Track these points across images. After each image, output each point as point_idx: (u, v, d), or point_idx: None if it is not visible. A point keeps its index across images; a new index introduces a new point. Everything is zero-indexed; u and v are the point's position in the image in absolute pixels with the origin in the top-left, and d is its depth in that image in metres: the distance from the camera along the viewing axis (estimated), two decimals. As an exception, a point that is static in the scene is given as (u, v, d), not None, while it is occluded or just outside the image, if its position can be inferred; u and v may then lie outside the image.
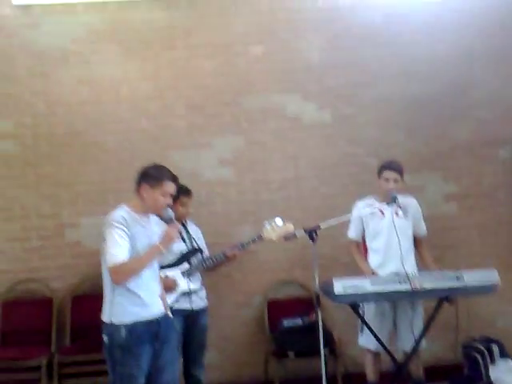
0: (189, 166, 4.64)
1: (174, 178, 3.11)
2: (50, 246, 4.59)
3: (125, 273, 2.87)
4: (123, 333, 2.87)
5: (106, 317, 2.94)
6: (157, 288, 3.07)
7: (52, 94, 4.67)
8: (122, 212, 2.94)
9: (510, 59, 4.96)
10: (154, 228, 3.06)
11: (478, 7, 4.95)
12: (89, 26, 4.72)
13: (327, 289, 3.66)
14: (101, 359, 3.85)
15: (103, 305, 2.99)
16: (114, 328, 2.88)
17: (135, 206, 3.01)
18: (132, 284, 2.90)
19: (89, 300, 4.39)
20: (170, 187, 3.02)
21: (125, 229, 2.88)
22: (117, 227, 2.87)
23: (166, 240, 2.99)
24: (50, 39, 4.68)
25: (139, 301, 2.93)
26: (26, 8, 4.67)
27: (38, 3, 4.68)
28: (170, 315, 3.14)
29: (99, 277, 4.12)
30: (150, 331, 2.95)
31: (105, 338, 2.92)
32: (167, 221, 3.10)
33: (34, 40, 4.66)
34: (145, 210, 3.02)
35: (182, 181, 4.00)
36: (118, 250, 2.85)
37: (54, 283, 4.57)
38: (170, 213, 3.16)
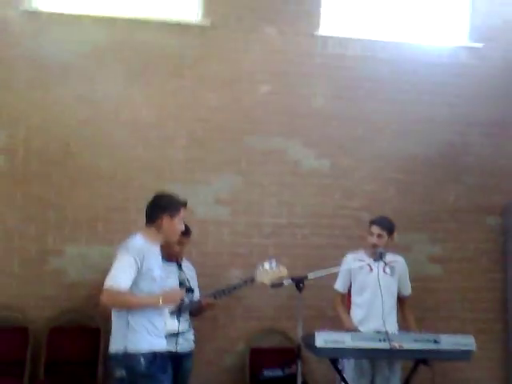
0: (184, 202, 4.60)
1: (186, 203, 3.22)
2: (32, 272, 4.41)
3: (116, 301, 2.93)
4: (143, 362, 2.89)
5: (118, 348, 2.93)
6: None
7: (49, 109, 4.53)
8: (141, 242, 2.99)
9: (505, 129, 5.17)
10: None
11: (479, 75, 5.15)
12: (95, 41, 4.62)
13: (309, 341, 3.66)
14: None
15: (112, 338, 3.00)
16: (132, 358, 2.89)
17: (150, 235, 3.07)
18: (149, 312, 2.97)
19: (67, 334, 4.27)
20: (184, 212, 3.18)
21: (138, 261, 2.93)
22: (131, 255, 2.92)
23: (169, 298, 3.11)
24: (54, 50, 4.56)
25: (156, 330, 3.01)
26: (32, 14, 4.56)
27: (46, 10, 4.56)
28: None
29: (79, 310, 4.06)
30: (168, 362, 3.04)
31: (121, 372, 2.91)
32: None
33: (37, 49, 4.52)
34: (159, 239, 3.11)
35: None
36: (122, 275, 2.91)
37: (32, 312, 4.37)
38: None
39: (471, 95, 5.11)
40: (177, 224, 3.12)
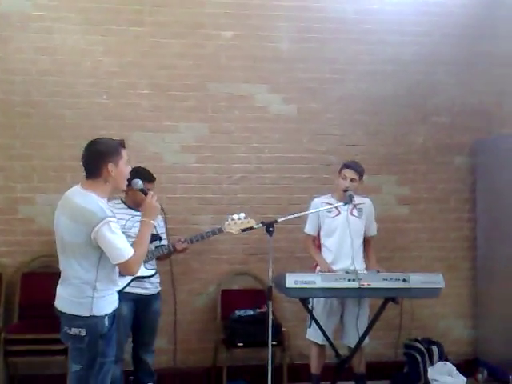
0: (151, 150, 4.89)
1: (123, 142, 3.14)
2: (2, 220, 4.71)
3: (141, 260, 3.06)
4: (107, 323, 3.02)
5: (83, 311, 2.98)
6: None
7: (10, 61, 4.75)
8: (101, 204, 2.97)
9: (473, 68, 5.42)
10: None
11: (446, 14, 5.39)
12: (51, -10, 4.79)
13: (279, 282, 4.02)
14: (49, 338, 4.15)
15: (74, 300, 3.00)
16: (96, 320, 2.98)
17: (102, 192, 3.02)
18: (114, 274, 3.08)
19: (39, 278, 4.61)
20: (125, 153, 3.09)
21: (115, 220, 2.98)
22: (111, 221, 2.93)
23: (151, 211, 3.12)
24: (12, 2, 4.74)
25: (115, 288, 3.13)
26: (-12, -34, 4.69)
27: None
28: None
29: (51, 255, 4.36)
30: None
31: (79, 331, 2.97)
32: (142, 191, 3.29)
33: (-6, 2, 4.70)
34: (108, 191, 3.07)
35: (143, 164, 4.27)
36: (124, 243, 2.96)
37: (4, 259, 4.71)
38: (140, 183, 3.39)
39: (438, 34, 5.36)
40: (123, 168, 3.06)
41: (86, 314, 2.96)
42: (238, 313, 4.71)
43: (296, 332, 4.83)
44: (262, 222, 4.00)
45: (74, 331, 2.98)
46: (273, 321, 3.88)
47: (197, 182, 5.01)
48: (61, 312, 3.05)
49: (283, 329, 4.70)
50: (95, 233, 2.90)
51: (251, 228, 4.09)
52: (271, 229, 3.89)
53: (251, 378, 4.75)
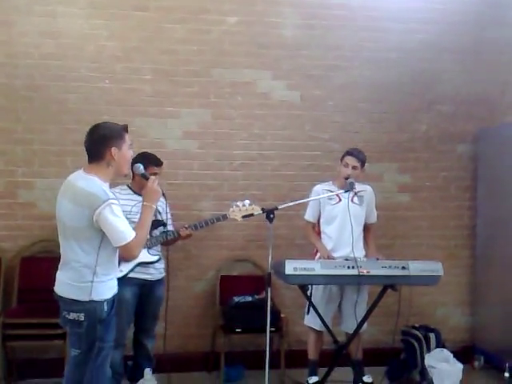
0: (153, 135, 4.91)
1: (126, 127, 3.18)
2: (3, 204, 4.75)
3: (142, 243, 3.09)
4: (106, 308, 3.06)
5: (83, 296, 3.02)
6: None
7: (13, 45, 4.75)
8: (103, 188, 3.01)
9: (477, 56, 5.40)
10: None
11: (451, 1, 5.35)
12: (55, -27, 4.77)
13: (278, 269, 4.07)
14: (48, 323, 4.22)
15: (73, 284, 3.04)
16: (95, 305, 3.03)
17: (104, 175, 3.05)
18: (114, 258, 3.12)
19: (39, 262, 4.67)
20: (128, 137, 3.14)
21: (117, 203, 3.02)
22: (113, 203, 2.97)
23: (152, 195, 3.17)
24: (15, -14, 4.74)
25: (115, 274, 3.18)
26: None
27: None
28: None
29: (51, 240, 4.42)
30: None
31: (78, 316, 3.02)
32: (143, 176, 3.39)
33: (-2, -15, 4.69)
34: (111, 175, 3.11)
35: (145, 149, 4.32)
36: (125, 226, 2.99)
37: (4, 243, 4.76)
38: (141, 168, 3.47)
39: (443, 22, 5.33)
40: (126, 153, 3.10)
41: (86, 298, 3.01)
42: (236, 299, 4.75)
43: (294, 318, 4.90)
44: (262, 209, 4.06)
45: (72, 316, 3.03)
46: (271, 307, 3.94)
47: (198, 168, 5.04)
48: (60, 297, 3.10)
49: (282, 315, 4.75)
50: (97, 215, 2.94)
51: (252, 215, 4.12)
52: (271, 216, 3.93)
53: (249, 363, 4.83)
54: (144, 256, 4.18)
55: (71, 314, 3.04)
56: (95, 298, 3.02)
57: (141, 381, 4.35)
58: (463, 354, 5.09)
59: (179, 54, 4.99)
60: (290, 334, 4.93)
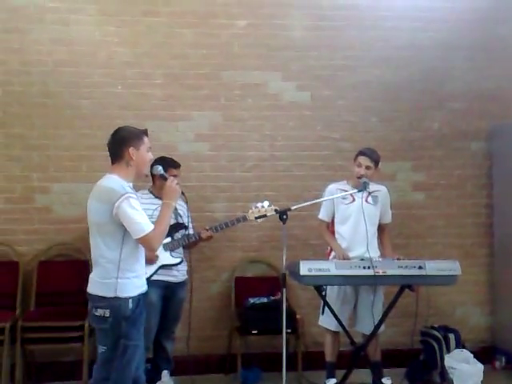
0: (165, 139, 4.95)
1: (146, 130, 3.36)
2: (19, 209, 4.82)
3: (161, 237, 3.17)
4: (130, 305, 3.10)
5: (108, 292, 3.09)
6: None
7: (27, 53, 4.85)
8: (122, 183, 3.12)
9: (488, 53, 5.39)
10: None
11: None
12: (68, -17, 4.89)
13: (293, 270, 4.06)
14: (65, 326, 4.29)
15: (100, 281, 3.13)
16: (120, 301, 3.08)
17: (125, 175, 3.18)
18: (138, 253, 3.19)
19: (55, 266, 4.73)
20: (148, 140, 3.30)
21: (135, 197, 3.13)
22: (131, 197, 3.08)
23: (172, 193, 3.26)
24: (28, -6, 4.85)
25: (141, 272, 3.24)
26: (5, -42, 4.80)
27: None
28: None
29: (67, 244, 4.47)
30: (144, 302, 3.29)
31: (103, 312, 3.09)
32: (162, 177, 3.50)
33: (11, -6, 4.81)
34: (132, 175, 3.22)
35: (158, 153, 4.32)
36: (143, 218, 3.10)
37: (21, 247, 4.81)
38: (160, 169, 3.58)
39: (453, 19, 5.34)
40: (144, 153, 3.23)
41: (111, 294, 3.09)
42: (251, 300, 4.75)
43: (310, 319, 4.87)
44: (275, 210, 4.06)
45: (99, 312, 3.11)
46: (287, 308, 3.91)
47: (210, 170, 5.08)
48: (90, 294, 3.19)
49: (297, 316, 4.74)
50: (116, 208, 3.05)
51: (265, 216, 4.12)
52: (285, 216, 3.93)
53: (266, 365, 4.81)
54: (167, 258, 4.29)
55: (98, 310, 3.12)
56: (120, 294, 3.09)
57: (158, 383, 4.38)
58: (483, 355, 5.01)
59: (189, 58, 5.05)
60: (307, 335, 4.93)
